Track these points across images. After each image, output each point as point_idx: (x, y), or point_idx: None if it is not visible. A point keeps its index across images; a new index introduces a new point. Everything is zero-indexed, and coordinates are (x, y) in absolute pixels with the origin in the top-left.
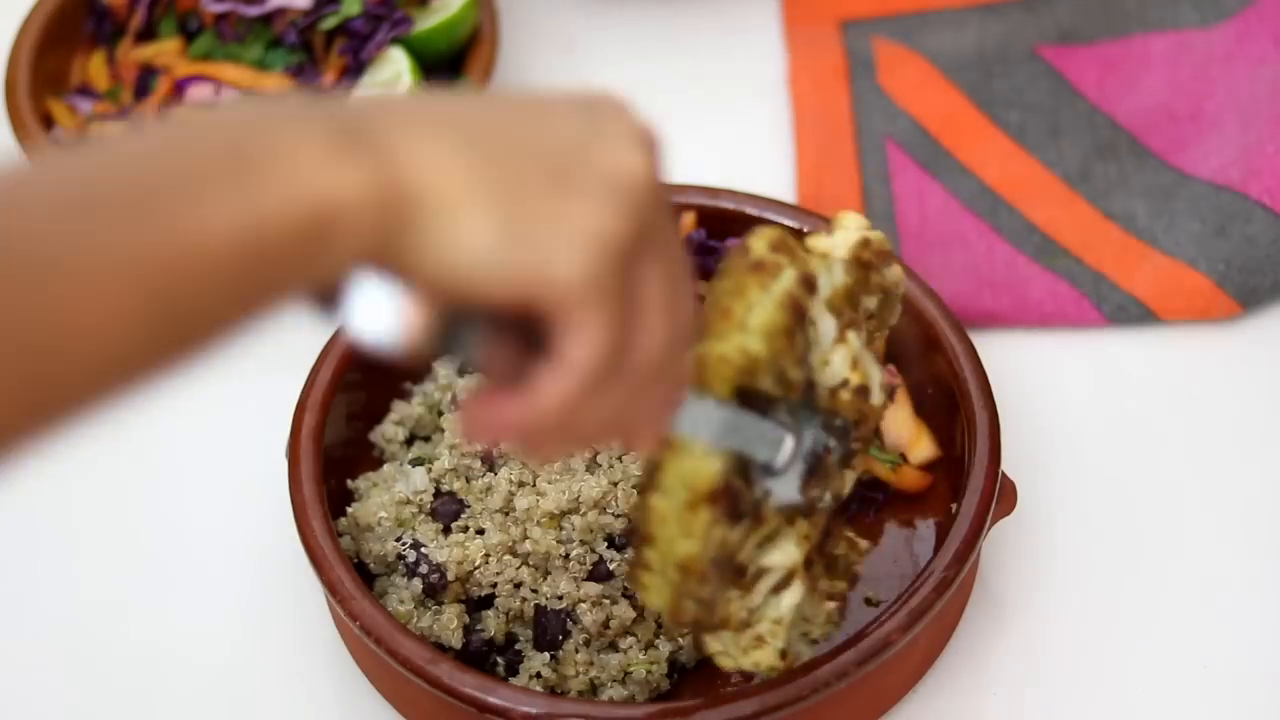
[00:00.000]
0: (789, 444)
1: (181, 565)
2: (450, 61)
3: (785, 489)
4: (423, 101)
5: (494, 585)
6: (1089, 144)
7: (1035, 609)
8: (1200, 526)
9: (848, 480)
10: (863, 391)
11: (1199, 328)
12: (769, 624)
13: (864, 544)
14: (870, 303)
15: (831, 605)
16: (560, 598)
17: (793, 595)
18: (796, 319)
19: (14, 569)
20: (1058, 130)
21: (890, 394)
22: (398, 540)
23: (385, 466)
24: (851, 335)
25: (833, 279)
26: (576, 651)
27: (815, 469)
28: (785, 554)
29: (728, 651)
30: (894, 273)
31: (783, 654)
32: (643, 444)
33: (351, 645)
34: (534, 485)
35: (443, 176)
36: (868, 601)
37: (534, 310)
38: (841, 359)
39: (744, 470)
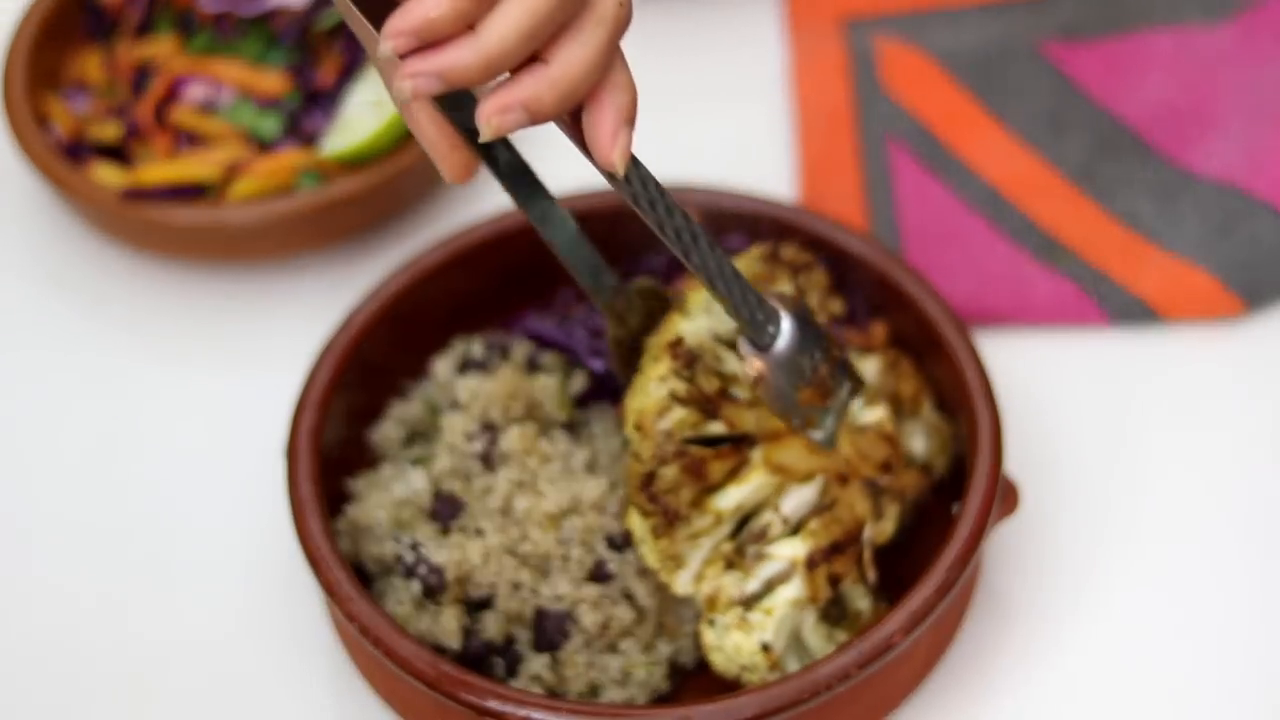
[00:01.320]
0: (786, 325)
1: (178, 566)
2: None
3: (776, 379)
4: None
5: (493, 586)
6: (1092, 142)
7: (1038, 610)
8: (1203, 527)
9: (881, 518)
10: (889, 440)
11: (1203, 327)
12: (760, 612)
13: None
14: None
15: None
16: (560, 599)
17: (790, 589)
18: (771, 254)
19: (10, 568)
20: (1061, 128)
21: (925, 473)
22: (396, 541)
23: (384, 467)
24: (882, 406)
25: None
26: (576, 653)
27: (810, 378)
28: (790, 547)
29: (719, 641)
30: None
31: (765, 648)
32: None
33: (349, 647)
34: (534, 486)
35: None
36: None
37: None
38: (873, 417)
39: (722, 369)
